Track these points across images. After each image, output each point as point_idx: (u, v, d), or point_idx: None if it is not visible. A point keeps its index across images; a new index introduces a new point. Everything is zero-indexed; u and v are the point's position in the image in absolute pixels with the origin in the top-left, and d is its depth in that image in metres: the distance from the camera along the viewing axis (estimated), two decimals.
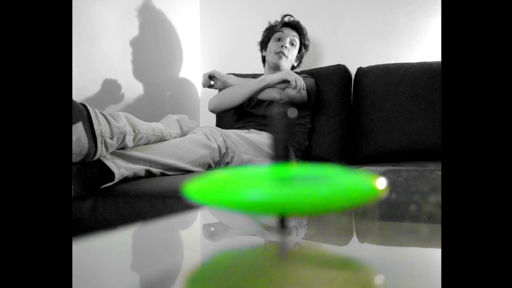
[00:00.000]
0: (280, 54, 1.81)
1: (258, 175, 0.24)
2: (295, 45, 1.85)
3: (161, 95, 2.11)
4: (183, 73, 2.26)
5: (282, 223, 0.26)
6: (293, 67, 1.91)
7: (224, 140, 1.41)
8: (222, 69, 2.19)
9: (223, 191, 0.23)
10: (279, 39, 1.83)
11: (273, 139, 0.26)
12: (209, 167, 1.36)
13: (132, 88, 1.93)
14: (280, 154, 0.25)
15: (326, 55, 2.09)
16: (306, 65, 2.05)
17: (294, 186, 0.22)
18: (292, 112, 0.25)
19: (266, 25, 1.94)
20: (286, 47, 1.81)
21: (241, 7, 2.28)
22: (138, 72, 1.97)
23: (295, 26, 1.86)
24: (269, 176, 0.24)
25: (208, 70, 2.35)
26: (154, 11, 2.05)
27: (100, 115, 1.10)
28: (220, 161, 1.40)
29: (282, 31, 1.84)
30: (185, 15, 2.28)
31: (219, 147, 1.37)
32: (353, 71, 1.90)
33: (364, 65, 1.89)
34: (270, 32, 1.88)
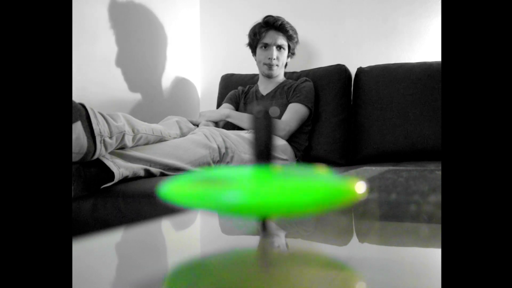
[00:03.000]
0: (269, 65, 1.80)
1: (238, 176, 0.24)
2: (283, 48, 1.80)
3: (161, 95, 2.11)
4: (183, 73, 2.26)
5: (264, 226, 0.25)
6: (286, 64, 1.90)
7: (224, 140, 1.41)
8: (222, 69, 2.19)
9: (203, 193, 0.22)
10: (265, 46, 1.79)
11: (255, 138, 0.25)
12: (209, 167, 1.36)
13: (132, 88, 1.93)
14: (262, 154, 0.25)
15: (326, 55, 2.09)
16: (306, 65, 2.05)
17: (275, 187, 0.22)
18: (274, 111, 0.25)
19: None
20: (274, 58, 1.78)
21: (241, 7, 2.28)
22: (138, 72, 1.97)
23: (280, 28, 1.79)
24: (250, 177, 0.23)
25: (208, 70, 2.36)
26: (154, 11, 2.05)
27: (98, 115, 1.10)
28: (220, 161, 1.40)
29: (267, 37, 1.78)
30: (185, 15, 2.28)
31: (218, 147, 1.37)
32: (353, 71, 1.90)
33: (364, 65, 1.89)
34: (254, 40, 1.83)
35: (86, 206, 1.13)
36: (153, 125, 1.33)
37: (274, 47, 1.78)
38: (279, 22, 1.78)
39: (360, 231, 0.34)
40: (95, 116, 1.09)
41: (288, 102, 1.76)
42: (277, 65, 1.80)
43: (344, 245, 0.30)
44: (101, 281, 0.22)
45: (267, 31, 1.79)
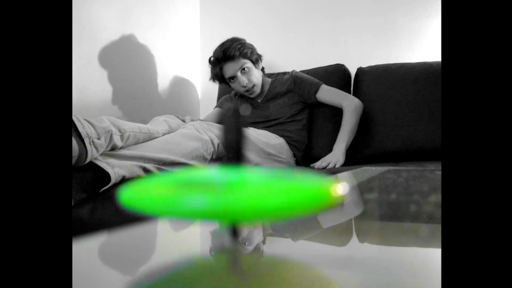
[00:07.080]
0: (247, 91, 1.78)
1: (206, 179, 0.22)
2: (247, 68, 1.74)
3: (161, 95, 2.11)
4: (183, 73, 2.26)
5: (234, 232, 0.24)
6: (262, 69, 1.87)
7: (214, 133, 1.40)
8: None
9: (168, 198, 0.20)
10: (232, 78, 1.75)
11: (224, 138, 0.23)
12: (204, 159, 1.35)
13: (132, 89, 1.93)
14: (232, 155, 0.23)
15: (325, 55, 2.09)
16: (305, 65, 2.05)
17: (245, 191, 0.20)
18: (245, 109, 0.23)
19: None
20: (246, 84, 1.74)
21: (241, 7, 2.28)
22: (138, 72, 1.97)
23: (230, 58, 1.70)
24: (219, 180, 0.22)
25: (208, 70, 2.36)
26: (154, 11, 2.05)
27: (82, 120, 1.11)
28: (215, 151, 1.38)
29: (226, 71, 1.73)
30: (185, 15, 2.28)
31: (211, 139, 1.36)
32: (352, 71, 1.90)
33: (364, 65, 1.90)
34: (221, 79, 1.79)
35: (85, 209, 1.12)
36: (140, 124, 1.32)
37: (239, 74, 1.73)
38: (225, 53, 1.70)
39: (360, 231, 0.34)
40: (79, 121, 1.09)
41: (314, 94, 1.76)
42: (254, 85, 1.77)
43: (344, 245, 0.30)
44: (101, 281, 0.22)
45: (222, 66, 1.73)
